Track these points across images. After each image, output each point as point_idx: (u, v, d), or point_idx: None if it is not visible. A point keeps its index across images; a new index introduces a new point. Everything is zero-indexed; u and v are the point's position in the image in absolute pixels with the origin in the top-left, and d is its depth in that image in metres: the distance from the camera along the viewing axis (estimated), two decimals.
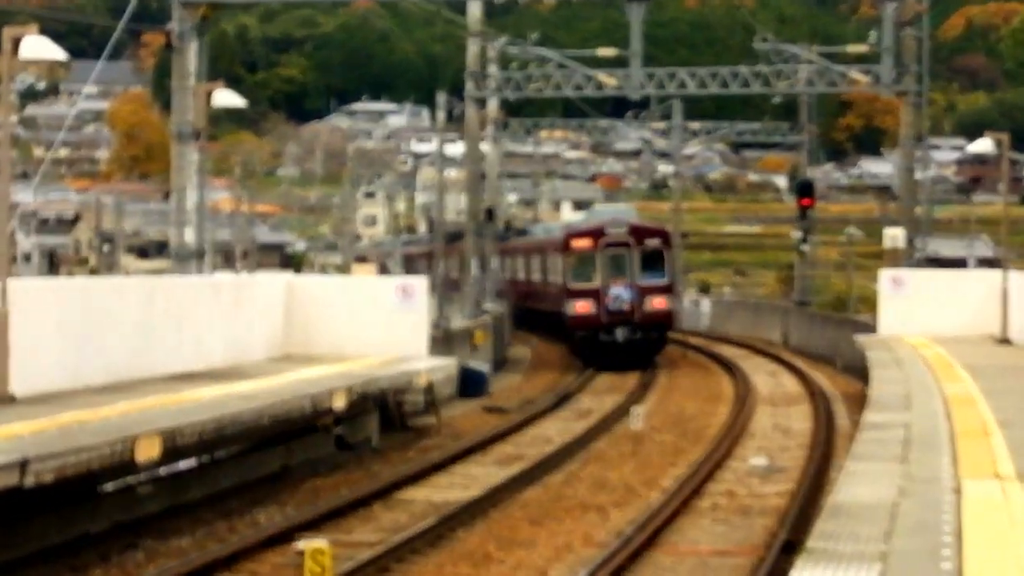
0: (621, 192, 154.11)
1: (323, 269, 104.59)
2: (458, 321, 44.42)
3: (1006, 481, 14.36)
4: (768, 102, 67.49)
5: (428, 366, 28.37)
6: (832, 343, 47.14)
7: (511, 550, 18.12)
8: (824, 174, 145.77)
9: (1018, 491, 13.80)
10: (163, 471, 20.03)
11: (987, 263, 78.33)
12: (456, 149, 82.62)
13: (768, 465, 25.25)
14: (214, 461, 21.78)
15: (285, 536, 18.28)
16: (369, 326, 29.56)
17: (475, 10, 49.68)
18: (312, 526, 19.22)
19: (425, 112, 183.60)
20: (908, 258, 43.41)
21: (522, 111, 71.26)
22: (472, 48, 49.76)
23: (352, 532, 19.43)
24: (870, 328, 37.61)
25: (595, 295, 46.59)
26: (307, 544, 16.01)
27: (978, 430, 18.04)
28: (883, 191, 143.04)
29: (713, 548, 18.63)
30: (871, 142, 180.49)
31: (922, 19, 44.72)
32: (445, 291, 49.34)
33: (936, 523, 12.27)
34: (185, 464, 20.82)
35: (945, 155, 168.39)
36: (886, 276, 36.73)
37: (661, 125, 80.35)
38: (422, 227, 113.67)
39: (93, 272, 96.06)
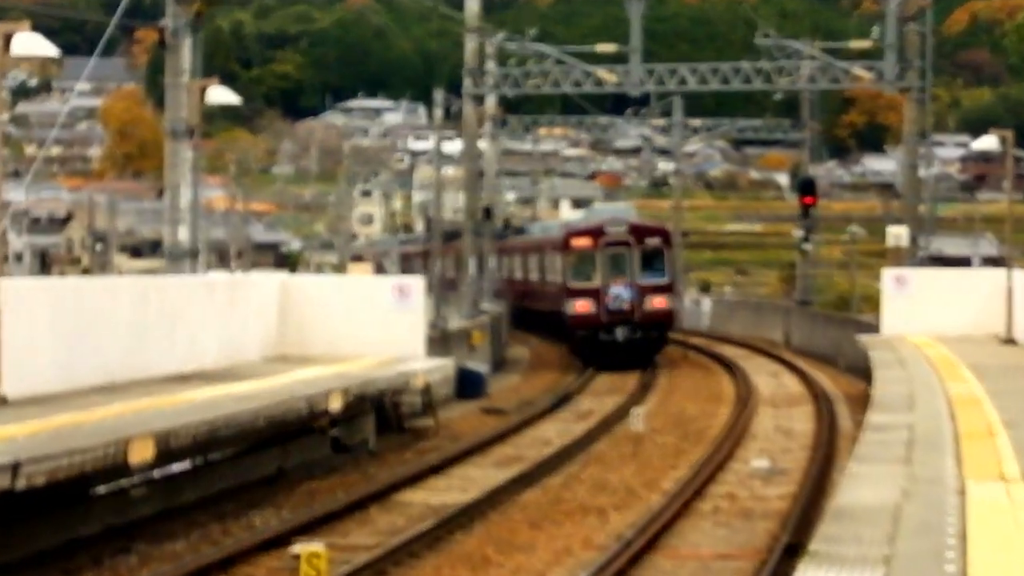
0: (621, 190, 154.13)
1: (319, 268, 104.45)
2: (456, 321, 44.29)
3: (1011, 483, 14.25)
4: (770, 99, 67.22)
5: (425, 367, 28.29)
6: (835, 343, 47.00)
7: (510, 553, 18.04)
8: (826, 171, 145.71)
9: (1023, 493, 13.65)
10: (157, 473, 19.88)
11: (992, 262, 78.04)
12: (453, 147, 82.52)
13: (770, 467, 25.18)
14: (208, 463, 21.64)
15: (281, 540, 18.22)
16: (365, 326, 29.46)
17: (472, 5, 49.53)
18: (308, 529, 19.14)
19: (422, 109, 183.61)
20: (911, 257, 43.26)
21: (520, 108, 70.87)
22: (469, 44, 49.60)
23: (349, 535, 19.35)
24: (873, 328, 37.48)
25: (595, 294, 46.60)
26: (303, 548, 16.23)
27: (983, 431, 17.93)
28: (886, 189, 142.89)
29: (714, 551, 18.56)
30: (874, 139, 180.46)
31: (925, 14, 44.51)
32: (442, 291, 49.18)
33: (940, 525, 12.18)
34: (179, 466, 20.69)
35: (949, 152, 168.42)
36: (889, 275, 36.57)
37: (661, 122, 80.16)
38: (419, 226, 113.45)
39: (86, 272, 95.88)
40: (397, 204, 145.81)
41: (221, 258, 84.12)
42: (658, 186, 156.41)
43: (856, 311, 55.57)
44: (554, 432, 30.73)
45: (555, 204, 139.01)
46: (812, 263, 61.15)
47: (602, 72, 48.60)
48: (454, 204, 78.48)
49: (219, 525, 19.71)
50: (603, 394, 39.37)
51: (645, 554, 18.05)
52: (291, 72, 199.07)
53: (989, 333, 34.04)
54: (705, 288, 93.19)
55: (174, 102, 26.80)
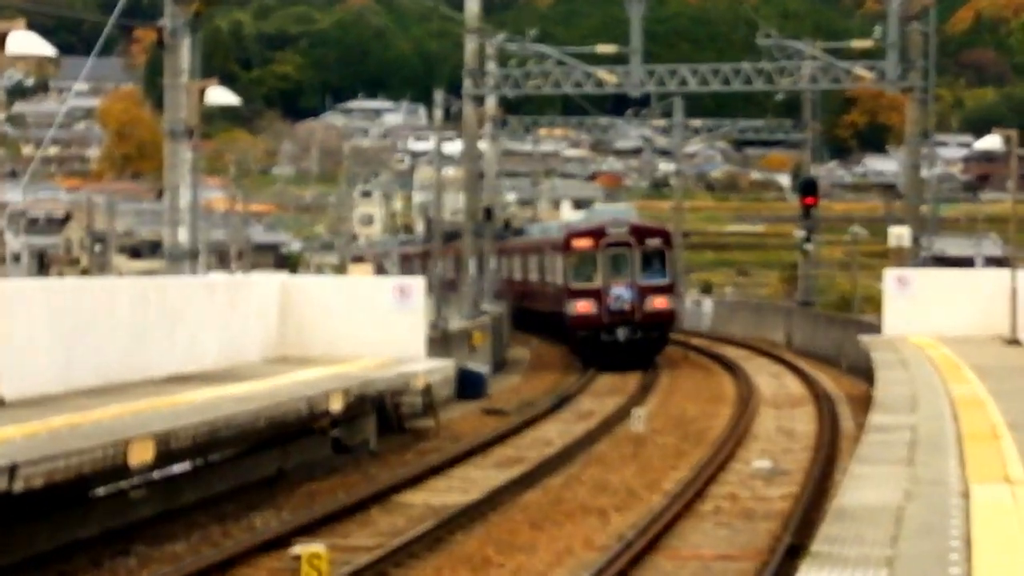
0: (621, 191, 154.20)
1: (319, 269, 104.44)
2: (456, 322, 44.24)
3: (1016, 485, 14.14)
4: (771, 99, 67.09)
5: (426, 368, 28.23)
6: (836, 344, 46.92)
7: (511, 554, 17.99)
8: (828, 172, 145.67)
9: None
10: (156, 475, 19.79)
11: (995, 262, 77.88)
12: (454, 147, 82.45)
13: (771, 468, 25.12)
14: (208, 464, 21.59)
15: (281, 541, 18.18)
16: (366, 327, 29.39)
17: (473, 6, 49.45)
18: (308, 530, 19.09)
19: (422, 110, 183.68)
20: (914, 257, 43.16)
21: (521, 109, 70.83)
22: (470, 45, 49.53)
23: (349, 536, 19.30)
24: (875, 329, 37.38)
25: (596, 295, 46.67)
26: (304, 549, 16.21)
27: (987, 432, 17.84)
28: (888, 189, 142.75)
29: (716, 552, 18.50)
30: (876, 139, 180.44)
31: (929, 13, 44.37)
32: (443, 291, 49.15)
33: (944, 528, 12.08)
34: (179, 468, 20.63)
35: (952, 152, 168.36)
36: (891, 276, 36.44)
37: (662, 123, 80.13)
38: (419, 227, 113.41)
39: (84, 273, 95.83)
40: (397, 205, 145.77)
41: (221, 259, 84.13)
42: (659, 187, 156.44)
43: (858, 312, 55.48)
44: (555, 433, 30.68)
45: (556, 205, 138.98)
46: (813, 264, 61.07)
47: (602, 73, 48.53)
48: (454, 205, 78.40)
49: (219, 526, 19.65)
50: (604, 395, 39.34)
51: (646, 555, 17.99)
52: (291, 73, 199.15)
53: (992, 334, 33.91)
54: (706, 289, 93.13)
55: (173, 103, 26.74)
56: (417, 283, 30.55)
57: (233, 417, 19.41)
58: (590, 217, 55.10)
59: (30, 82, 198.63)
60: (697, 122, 78.95)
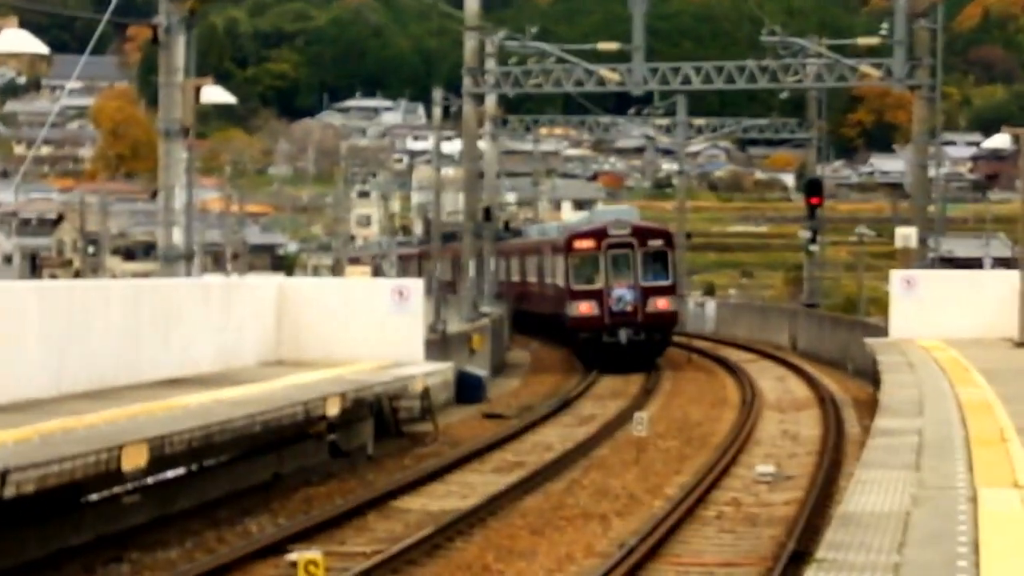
0: (623, 191, 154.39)
1: (316, 271, 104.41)
2: (455, 324, 44.10)
3: None
4: (775, 97, 66.80)
5: (424, 371, 28.19)
6: (842, 346, 46.81)
7: (510, 561, 17.96)
8: (833, 172, 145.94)
9: None
10: (150, 480, 19.69)
11: (1004, 263, 77.74)
12: (453, 147, 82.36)
13: (775, 473, 25.07)
14: (203, 469, 21.53)
15: (277, 547, 18.17)
16: (363, 330, 29.32)
17: (472, 3, 49.29)
18: (305, 536, 19.04)
19: (420, 109, 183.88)
20: (921, 258, 42.94)
21: (521, 107, 70.66)
22: (469, 43, 49.34)
23: (346, 542, 19.27)
24: (881, 331, 37.33)
25: (598, 296, 46.70)
26: (300, 555, 16.26)
27: (995, 437, 17.72)
28: (895, 189, 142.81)
29: (719, 559, 18.43)
30: (882, 138, 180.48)
31: (936, 10, 44.11)
32: (442, 293, 48.99)
33: (951, 533, 11.98)
34: (173, 473, 20.57)
35: (960, 151, 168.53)
36: (898, 277, 36.29)
37: (664, 121, 79.78)
38: (418, 227, 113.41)
39: (77, 274, 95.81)
40: (396, 205, 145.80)
41: (216, 261, 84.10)
42: (661, 187, 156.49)
43: (864, 314, 55.38)
44: (555, 437, 30.65)
45: (556, 205, 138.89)
46: (819, 265, 60.99)
47: (604, 71, 48.29)
48: (454, 205, 78.25)
49: (214, 532, 19.60)
50: (605, 398, 39.36)
51: (648, 561, 17.92)
52: (287, 71, 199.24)
53: (1001, 336, 33.81)
54: (709, 291, 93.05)
55: (168, 101, 26.56)
56: (415, 285, 30.50)
57: (228, 421, 19.36)
58: (592, 218, 55.08)
59: (22, 80, 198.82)
60: (700, 121, 78.66)
